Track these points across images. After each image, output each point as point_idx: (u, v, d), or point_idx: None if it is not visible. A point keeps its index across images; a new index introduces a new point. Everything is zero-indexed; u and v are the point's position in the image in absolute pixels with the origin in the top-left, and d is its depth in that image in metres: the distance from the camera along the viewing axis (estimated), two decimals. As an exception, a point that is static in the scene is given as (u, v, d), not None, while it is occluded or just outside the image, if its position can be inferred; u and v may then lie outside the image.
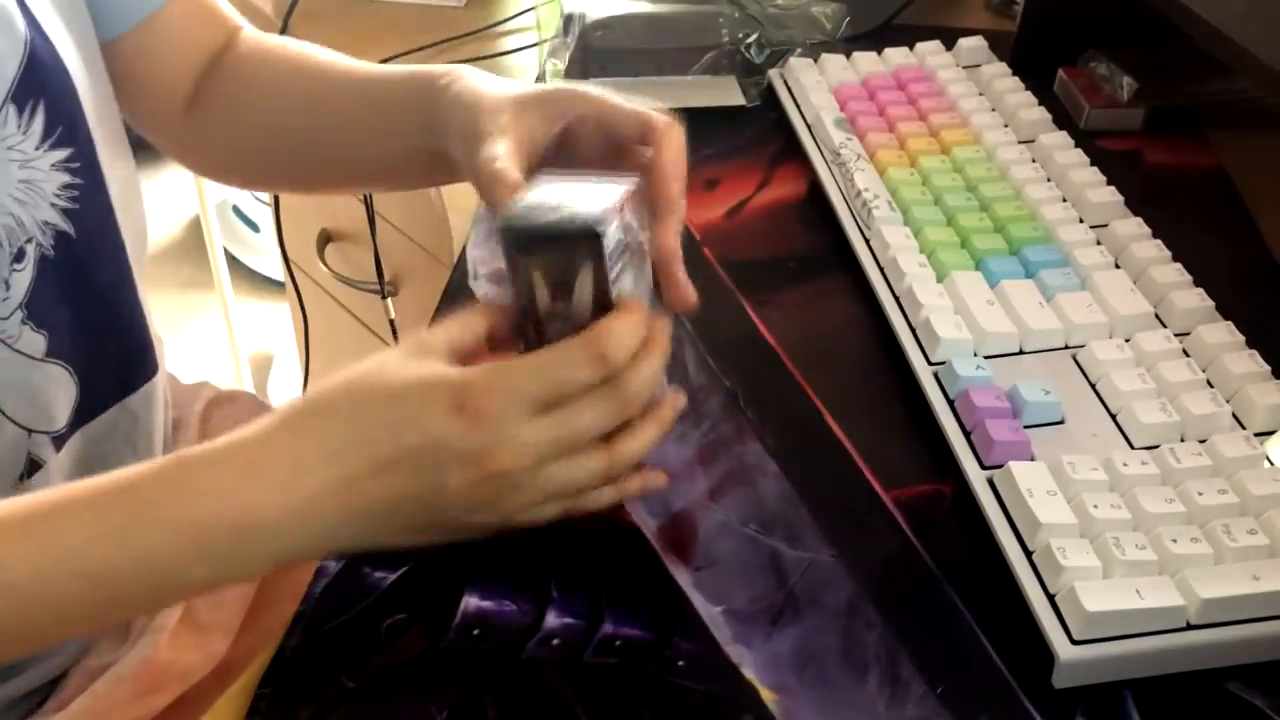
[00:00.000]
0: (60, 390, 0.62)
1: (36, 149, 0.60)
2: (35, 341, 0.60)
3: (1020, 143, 0.82)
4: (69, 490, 0.49)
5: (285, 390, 1.53)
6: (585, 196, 0.51)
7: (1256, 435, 0.60)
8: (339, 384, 0.50)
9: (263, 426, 0.49)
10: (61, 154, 0.61)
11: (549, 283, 0.51)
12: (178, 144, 0.76)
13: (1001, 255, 0.72)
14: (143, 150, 0.73)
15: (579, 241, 0.50)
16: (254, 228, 2.20)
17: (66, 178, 0.62)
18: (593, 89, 0.59)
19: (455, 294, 0.76)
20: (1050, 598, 0.54)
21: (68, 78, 0.62)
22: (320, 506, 0.48)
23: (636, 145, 0.58)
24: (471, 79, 0.61)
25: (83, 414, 0.64)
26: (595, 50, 0.93)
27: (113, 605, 0.50)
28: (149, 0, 0.69)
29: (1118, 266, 0.71)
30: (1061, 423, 0.63)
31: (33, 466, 0.62)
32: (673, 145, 0.57)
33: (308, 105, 0.71)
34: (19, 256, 0.59)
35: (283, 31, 1.07)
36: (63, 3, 0.63)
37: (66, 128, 0.61)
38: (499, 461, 0.48)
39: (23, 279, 0.59)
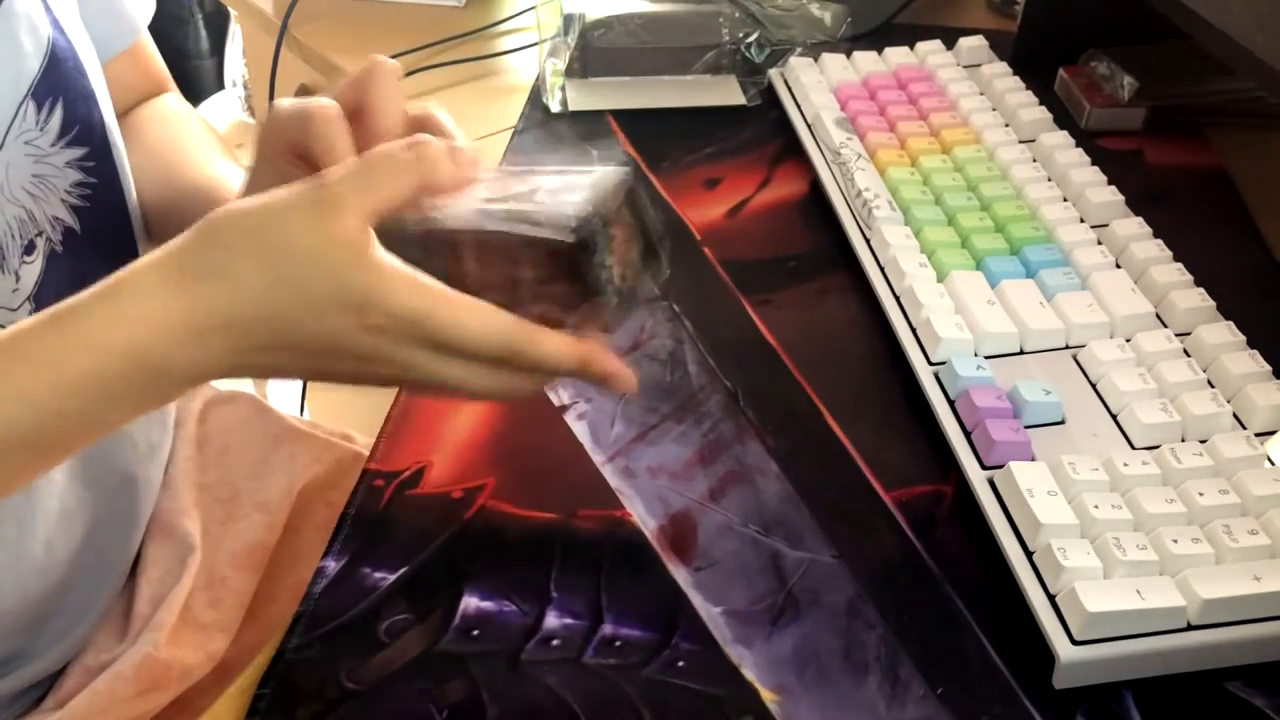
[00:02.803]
0: None
1: (52, 145, 0.60)
2: None
3: (1021, 142, 0.82)
4: None
5: (285, 391, 1.52)
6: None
7: (1257, 435, 0.60)
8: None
9: None
10: (77, 152, 0.62)
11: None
12: None
13: (1002, 255, 0.72)
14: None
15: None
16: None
17: (80, 175, 0.62)
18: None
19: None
20: (1051, 598, 0.54)
21: (86, 80, 0.62)
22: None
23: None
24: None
25: None
26: (595, 50, 0.93)
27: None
28: (116, 40, 0.70)
29: (1118, 266, 0.71)
30: (1062, 423, 0.63)
31: None
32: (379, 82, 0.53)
33: (158, 181, 0.69)
34: (29, 249, 0.59)
35: (282, 31, 1.07)
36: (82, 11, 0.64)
37: (83, 127, 0.62)
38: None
39: (32, 271, 0.60)
